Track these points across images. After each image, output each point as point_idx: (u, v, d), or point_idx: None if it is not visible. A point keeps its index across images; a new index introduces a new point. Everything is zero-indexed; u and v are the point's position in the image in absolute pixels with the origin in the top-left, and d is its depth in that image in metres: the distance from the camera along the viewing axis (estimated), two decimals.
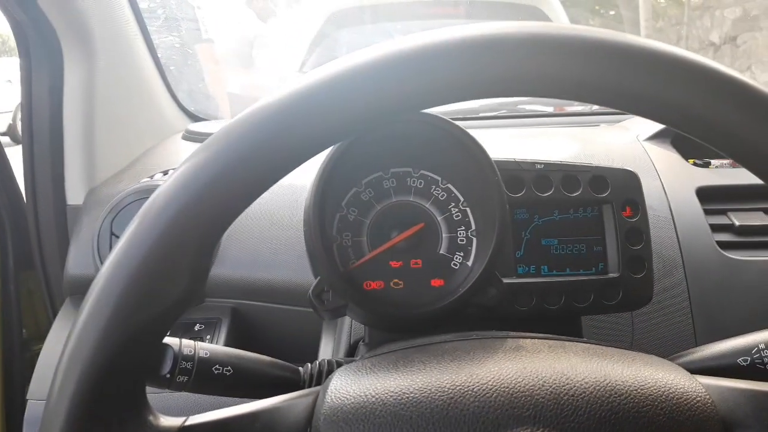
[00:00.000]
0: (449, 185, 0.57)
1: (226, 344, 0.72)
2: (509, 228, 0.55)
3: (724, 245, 0.68)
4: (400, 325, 0.55)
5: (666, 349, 0.52)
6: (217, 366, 0.47)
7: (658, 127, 0.83)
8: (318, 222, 0.51)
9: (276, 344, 0.76)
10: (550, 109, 1.35)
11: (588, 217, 0.57)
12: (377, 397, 0.35)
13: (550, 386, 0.35)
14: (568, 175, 0.57)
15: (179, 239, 0.33)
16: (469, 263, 0.56)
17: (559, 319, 0.57)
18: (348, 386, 0.36)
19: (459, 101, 0.35)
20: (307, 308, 0.75)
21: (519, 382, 0.35)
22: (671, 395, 0.35)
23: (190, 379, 0.45)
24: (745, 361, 0.48)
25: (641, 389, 0.35)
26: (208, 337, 0.73)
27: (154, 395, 0.46)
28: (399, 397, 0.35)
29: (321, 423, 0.35)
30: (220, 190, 0.34)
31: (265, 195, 0.75)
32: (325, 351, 0.70)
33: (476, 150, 0.51)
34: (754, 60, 5.89)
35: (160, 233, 0.33)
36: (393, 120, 0.35)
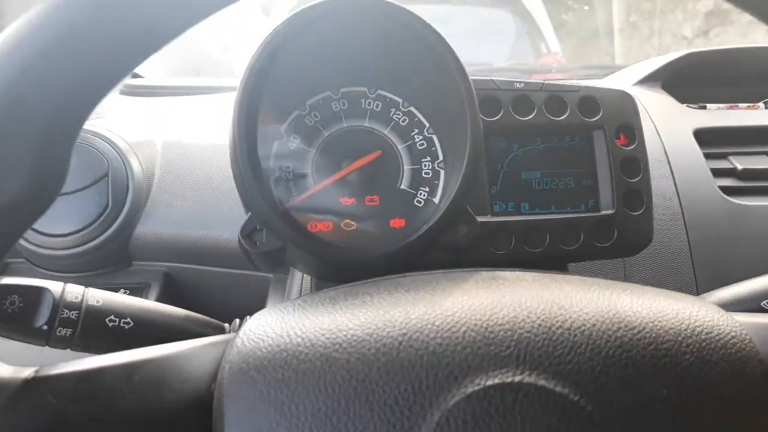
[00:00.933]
0: (412, 108, 0.48)
1: None
2: (482, 156, 0.46)
3: (727, 190, 0.60)
4: (353, 273, 0.45)
5: None
6: (112, 317, 0.36)
7: (648, 70, 0.75)
8: (246, 147, 0.41)
9: (216, 314, 0.65)
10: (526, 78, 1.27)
11: (576, 146, 0.48)
12: (303, 337, 0.25)
13: (538, 317, 0.26)
14: (553, 96, 0.48)
15: (15, 109, 0.23)
16: (436, 200, 0.46)
17: (543, 266, 0.48)
18: (267, 326, 0.27)
19: None
20: (251, 271, 0.65)
21: (496, 314, 0.26)
22: (699, 330, 0.26)
23: (75, 332, 0.35)
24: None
25: (659, 321, 0.26)
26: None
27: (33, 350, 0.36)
28: (333, 336, 0.25)
29: (225, 374, 0.25)
30: (75, 43, 0.23)
31: (202, 147, 0.64)
32: None
33: (442, 49, 0.42)
34: None
35: None
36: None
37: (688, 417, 0.24)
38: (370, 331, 0.25)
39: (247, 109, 0.41)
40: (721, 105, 0.71)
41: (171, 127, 0.71)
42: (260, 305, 0.63)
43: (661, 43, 7.12)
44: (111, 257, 0.64)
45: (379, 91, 0.47)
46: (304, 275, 0.58)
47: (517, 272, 0.32)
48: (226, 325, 0.42)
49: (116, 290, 0.64)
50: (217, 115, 0.72)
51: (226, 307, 0.66)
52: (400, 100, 0.47)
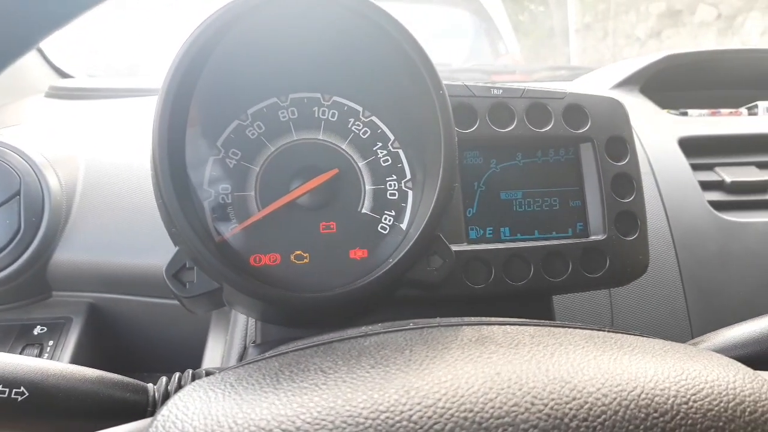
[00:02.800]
0: (374, 118, 0.41)
1: (77, 353, 0.53)
2: (456, 176, 0.39)
3: (717, 205, 0.55)
4: (305, 316, 0.38)
5: (655, 333, 0.38)
6: (0, 387, 0.28)
7: (626, 73, 0.70)
8: (168, 163, 0.33)
9: (149, 351, 0.57)
10: (517, 78, 1.23)
11: (562, 161, 0.42)
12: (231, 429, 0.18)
13: (546, 405, 0.20)
14: (535, 103, 0.42)
15: None
16: (403, 225, 0.39)
17: (525, 300, 0.42)
18: (189, 414, 0.20)
19: None
20: (213, 309, 0.57)
21: (491, 401, 0.19)
22: (741, 408, 0.21)
23: None
24: None
25: (695, 402, 0.20)
26: (51, 343, 0.53)
27: None
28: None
29: None
30: None
31: (130, 166, 0.55)
32: (212, 357, 0.52)
33: (410, 48, 0.35)
34: None
35: None
36: None
37: None
38: (320, 427, 0.18)
39: (170, 119, 0.33)
40: (703, 111, 0.66)
41: (98, 139, 0.62)
42: (200, 341, 0.55)
43: (615, 44, 7.27)
44: (26, 288, 0.55)
45: (335, 98, 0.40)
46: None
47: (509, 328, 0.25)
48: (150, 385, 0.34)
49: (32, 327, 0.55)
50: (146, 129, 0.64)
51: (162, 344, 0.58)
52: (360, 109, 0.40)
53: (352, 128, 0.40)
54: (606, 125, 0.42)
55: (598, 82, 0.73)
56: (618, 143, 0.42)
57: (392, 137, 0.40)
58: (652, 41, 6.61)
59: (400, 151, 0.40)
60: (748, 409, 0.22)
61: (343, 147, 0.40)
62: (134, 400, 0.32)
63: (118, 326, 0.57)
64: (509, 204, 0.42)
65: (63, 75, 0.98)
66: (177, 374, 0.34)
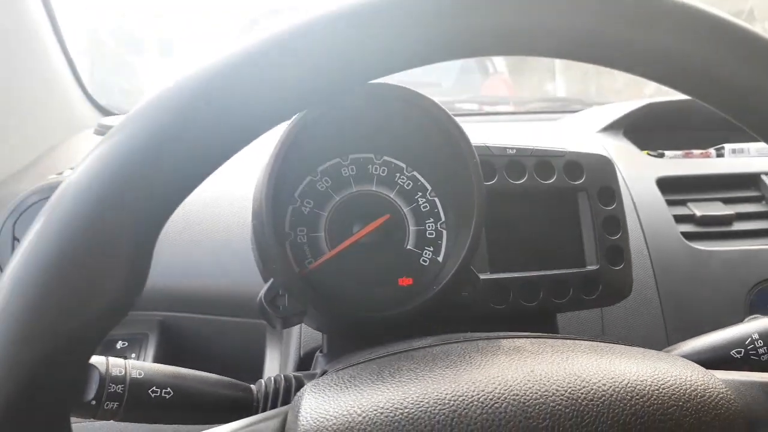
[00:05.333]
0: (415, 173, 0.51)
1: (155, 363, 0.63)
2: (485, 219, 0.50)
3: (688, 236, 0.66)
4: (364, 331, 0.48)
5: (638, 341, 0.48)
6: (154, 388, 0.38)
7: (611, 118, 0.81)
8: (271, 214, 0.43)
9: (212, 361, 0.66)
10: (509, 108, 1.34)
11: (563, 207, 0.53)
12: (364, 415, 0.28)
13: (566, 391, 0.29)
14: (541, 161, 0.53)
15: (103, 231, 0.25)
16: (440, 258, 0.50)
17: (536, 317, 0.52)
18: (325, 404, 0.29)
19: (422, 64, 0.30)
20: (247, 318, 0.67)
21: (530, 389, 0.29)
22: (694, 393, 0.31)
23: (121, 405, 0.37)
24: (739, 353, 0.45)
25: (662, 388, 0.31)
26: (133, 355, 0.63)
27: (77, 425, 0.37)
28: (391, 415, 0.28)
29: None
30: (152, 168, 0.26)
31: (198, 193, 0.66)
32: (272, 366, 0.62)
33: (450, 126, 0.46)
34: None
35: (77, 224, 0.25)
36: (341, 93, 0.29)
37: None
38: (423, 409, 0.28)
39: (275, 183, 0.43)
40: (678, 152, 0.78)
41: None
42: (257, 352, 0.65)
43: (598, 72, 7.45)
44: None
45: (385, 158, 0.51)
46: (302, 328, 0.61)
47: (534, 340, 0.36)
48: (252, 386, 0.45)
49: (115, 342, 0.65)
50: None
51: (223, 355, 0.68)
52: (404, 165, 0.51)
53: (398, 181, 0.51)
54: (598, 177, 0.53)
55: (587, 124, 0.85)
56: (607, 192, 0.53)
57: (430, 188, 0.51)
58: None
59: (437, 199, 0.51)
60: (699, 395, 0.32)
61: (392, 196, 0.50)
62: (243, 398, 0.42)
63: (186, 341, 0.66)
64: (523, 242, 0.52)
65: (105, 112, 1.08)
66: (271, 377, 0.44)
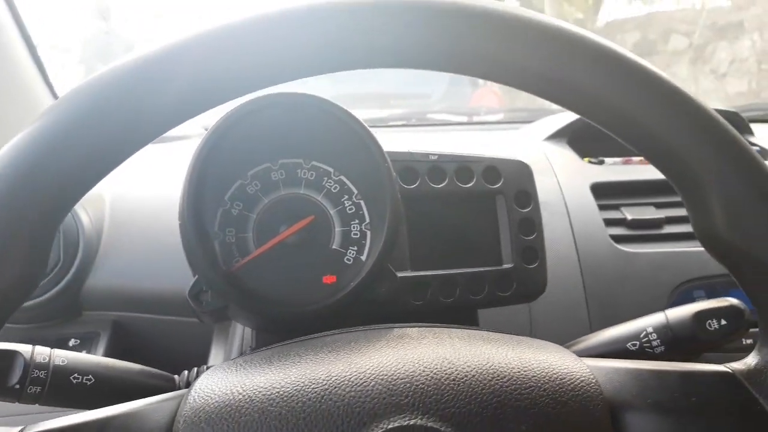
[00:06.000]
0: (342, 177, 0.54)
1: None
2: (402, 220, 0.53)
3: (617, 238, 0.69)
4: (290, 326, 0.51)
5: (564, 338, 0.51)
6: (75, 375, 0.41)
7: (556, 127, 0.85)
8: (193, 216, 0.47)
9: (163, 359, 0.70)
10: (462, 119, 1.37)
11: (482, 209, 0.56)
12: (244, 394, 0.31)
13: (431, 372, 0.32)
14: (461, 166, 0.56)
15: (12, 206, 0.28)
16: (363, 257, 0.53)
17: (456, 313, 0.55)
18: (214, 385, 0.33)
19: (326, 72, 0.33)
20: (195, 318, 0.70)
21: (398, 369, 0.32)
22: (554, 376, 0.34)
23: (44, 390, 0.40)
24: (634, 345, 0.48)
25: (524, 371, 0.33)
26: (84, 352, 0.66)
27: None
28: (268, 393, 0.31)
29: (180, 426, 0.31)
30: (63, 151, 0.29)
31: (148, 199, 0.69)
32: (216, 362, 0.65)
33: (364, 135, 0.49)
34: None
35: None
36: (249, 91, 0.32)
37: None
38: (298, 387, 0.32)
39: (196, 185, 0.47)
40: (617, 159, 0.81)
41: (119, 179, 0.75)
42: (204, 352, 0.68)
43: None
44: (62, 308, 0.68)
45: (314, 162, 0.54)
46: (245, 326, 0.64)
47: (423, 329, 0.39)
48: (176, 376, 0.48)
49: (67, 339, 0.68)
50: (162, 165, 0.77)
51: (172, 353, 0.71)
52: (331, 170, 0.54)
53: (325, 184, 0.54)
54: (515, 182, 0.56)
55: (536, 133, 0.88)
56: (524, 195, 0.57)
57: (356, 191, 0.54)
58: None
59: (362, 202, 0.54)
60: (560, 377, 0.34)
61: (319, 198, 0.54)
62: (165, 386, 0.46)
63: (136, 339, 0.69)
64: (443, 241, 0.56)
65: None
66: (195, 368, 0.48)
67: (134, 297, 0.69)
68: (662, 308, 0.57)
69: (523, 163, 0.57)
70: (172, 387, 0.46)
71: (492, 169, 0.56)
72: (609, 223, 0.70)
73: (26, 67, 0.97)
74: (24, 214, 0.28)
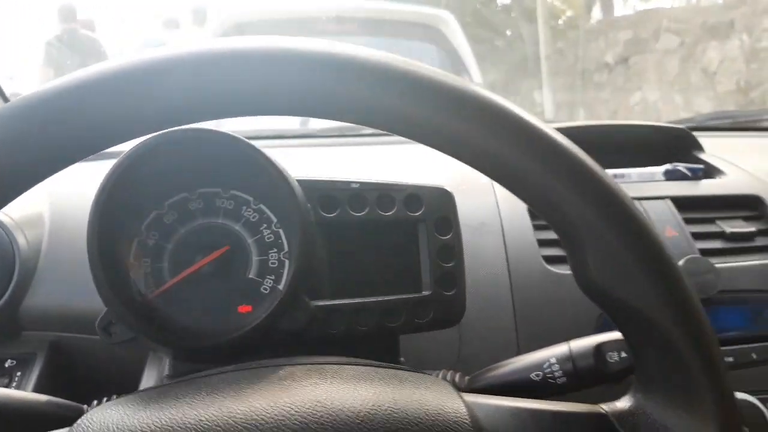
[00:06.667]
0: (262, 205, 0.55)
1: (41, 382, 0.66)
2: (317, 248, 0.53)
3: (549, 259, 0.70)
4: (202, 356, 0.52)
5: (491, 361, 0.52)
6: None
7: None
8: (98, 248, 0.47)
9: (101, 380, 0.70)
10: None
11: (402, 237, 0.57)
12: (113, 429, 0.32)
13: (301, 415, 0.33)
14: (383, 194, 0.56)
15: None
16: (281, 287, 0.54)
17: (375, 340, 0.56)
18: (91, 424, 0.33)
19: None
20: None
21: (269, 413, 0.33)
22: (427, 416, 0.34)
23: None
24: (538, 375, 0.49)
25: (396, 412, 0.34)
26: (19, 374, 0.66)
27: None
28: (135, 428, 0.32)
29: None
30: None
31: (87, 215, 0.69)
32: (147, 385, 0.65)
33: (267, 165, 0.49)
34: (644, 80, 6.35)
35: None
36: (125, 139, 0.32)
37: None
38: (165, 429, 0.32)
39: (101, 216, 0.47)
40: None
41: (60, 198, 0.75)
42: (138, 373, 0.69)
43: (585, 69, 7.50)
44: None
45: (232, 191, 0.54)
46: None
47: (311, 367, 0.39)
48: (85, 406, 0.48)
49: (4, 360, 0.68)
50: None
51: (109, 375, 0.71)
52: (251, 199, 0.55)
53: (244, 213, 0.55)
54: (436, 209, 0.57)
55: None
56: (444, 222, 0.57)
57: (275, 220, 0.55)
58: (620, 67, 6.86)
59: (281, 231, 0.55)
60: (432, 416, 0.34)
61: (237, 227, 0.54)
62: (72, 417, 0.46)
63: (76, 360, 0.70)
64: (363, 270, 0.56)
65: None
66: (105, 399, 0.48)
67: (72, 317, 0.69)
68: (590, 331, 0.57)
69: (445, 190, 0.58)
70: (79, 416, 0.46)
71: (413, 196, 0.57)
72: (542, 243, 0.71)
73: None
74: None
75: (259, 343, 0.51)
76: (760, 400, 0.63)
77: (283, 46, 0.31)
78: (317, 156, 0.97)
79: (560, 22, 8.58)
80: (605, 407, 0.37)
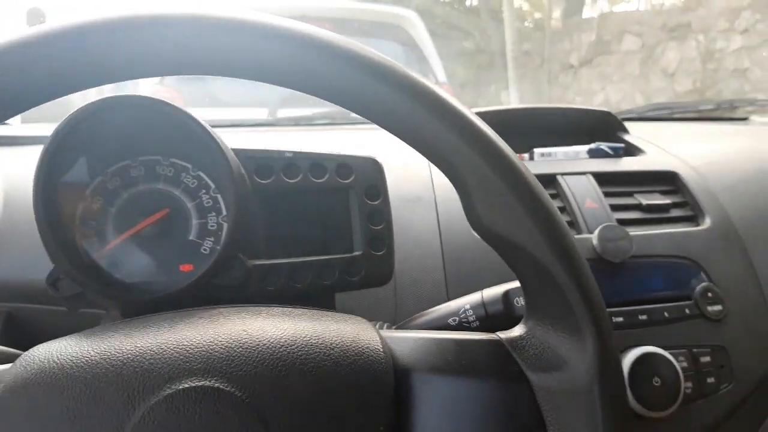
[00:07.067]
0: (200, 172, 0.59)
1: None
2: (250, 211, 0.57)
3: None
4: (144, 311, 0.55)
5: None
6: None
7: None
8: (44, 209, 0.51)
9: None
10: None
11: (334, 202, 0.61)
12: (57, 362, 0.35)
13: (225, 341, 0.36)
14: (315, 163, 0.61)
15: None
16: (219, 248, 0.58)
17: (311, 297, 0.60)
18: (36, 355, 0.36)
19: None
20: (88, 309, 0.74)
21: (197, 339, 0.36)
22: (341, 343, 0.38)
23: None
24: (455, 321, 0.54)
25: (312, 339, 0.37)
26: None
27: None
28: (76, 360, 0.35)
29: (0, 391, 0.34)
30: None
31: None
32: None
33: (201, 132, 0.54)
34: (608, 81, 6.51)
35: None
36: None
37: (319, 403, 0.36)
38: (104, 356, 0.35)
39: (45, 180, 0.51)
40: None
41: (10, 177, 0.78)
42: None
43: (551, 70, 7.64)
44: None
45: (172, 159, 0.58)
46: None
47: (242, 308, 0.43)
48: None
49: None
50: None
51: None
52: (189, 166, 0.59)
53: (184, 180, 0.58)
54: (366, 177, 0.62)
55: None
56: (374, 189, 0.62)
57: (213, 185, 0.59)
58: (585, 68, 7.02)
59: (219, 196, 0.59)
60: (346, 344, 0.38)
61: (177, 193, 0.58)
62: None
63: (33, 331, 0.73)
64: (298, 232, 0.60)
65: None
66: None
67: (26, 288, 0.72)
68: None
69: (374, 159, 0.62)
70: None
71: (344, 165, 0.61)
72: None
73: None
74: None
75: (200, 299, 0.55)
76: (672, 355, 0.69)
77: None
78: (272, 139, 1.02)
79: (526, 24, 8.74)
80: (501, 335, 0.42)
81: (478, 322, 0.53)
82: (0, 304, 0.74)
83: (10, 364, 0.38)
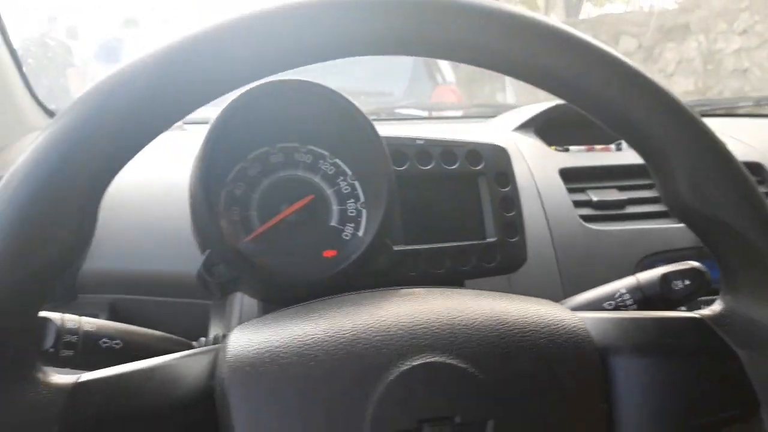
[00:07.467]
0: (337, 160, 0.59)
1: None
2: (397, 199, 0.57)
3: (586, 218, 0.75)
4: (295, 297, 0.55)
5: None
6: (105, 339, 0.44)
7: (523, 119, 0.91)
8: (204, 194, 0.50)
9: None
10: (425, 114, 1.43)
11: (466, 188, 0.61)
12: (280, 341, 0.35)
13: (445, 319, 0.36)
14: (446, 150, 0.61)
15: (54, 189, 0.30)
16: (360, 233, 0.57)
17: (446, 283, 0.60)
18: (250, 335, 0.35)
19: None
20: (192, 299, 0.73)
21: (416, 318, 0.36)
22: (551, 323, 0.38)
23: (76, 353, 0.43)
24: (610, 305, 0.54)
25: (524, 318, 0.38)
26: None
27: None
28: (302, 338, 0.34)
29: (225, 372, 0.34)
30: (94, 138, 0.31)
31: (143, 184, 0.72)
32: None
33: (361, 119, 0.53)
34: None
35: (31, 184, 0.30)
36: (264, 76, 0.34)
37: (543, 381, 0.36)
38: (329, 334, 0.35)
39: (206, 166, 0.50)
40: (581, 147, 0.88)
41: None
42: (200, 329, 0.71)
43: None
44: (58, 292, 0.70)
45: (309, 147, 0.58)
46: (242, 302, 0.67)
47: (428, 289, 0.43)
48: (194, 343, 0.51)
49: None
50: (155, 151, 0.79)
51: (170, 332, 0.73)
52: (327, 153, 0.58)
53: (322, 167, 0.58)
54: (495, 164, 0.62)
55: (505, 125, 0.94)
56: (503, 176, 0.62)
57: (350, 173, 0.58)
58: None
59: (356, 182, 0.58)
60: (555, 324, 0.39)
61: (316, 180, 0.58)
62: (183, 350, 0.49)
63: (135, 321, 0.71)
64: (433, 218, 0.60)
65: (53, 116, 1.11)
66: (212, 335, 0.51)
67: (131, 279, 0.71)
68: None
69: (501, 147, 0.63)
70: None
71: (474, 152, 0.61)
72: (577, 204, 0.76)
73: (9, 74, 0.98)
74: (74, 181, 0.31)
75: (347, 284, 0.54)
76: None
77: None
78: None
79: None
80: (698, 314, 0.42)
81: (635, 306, 0.53)
82: (101, 296, 0.73)
83: (210, 347, 0.38)
